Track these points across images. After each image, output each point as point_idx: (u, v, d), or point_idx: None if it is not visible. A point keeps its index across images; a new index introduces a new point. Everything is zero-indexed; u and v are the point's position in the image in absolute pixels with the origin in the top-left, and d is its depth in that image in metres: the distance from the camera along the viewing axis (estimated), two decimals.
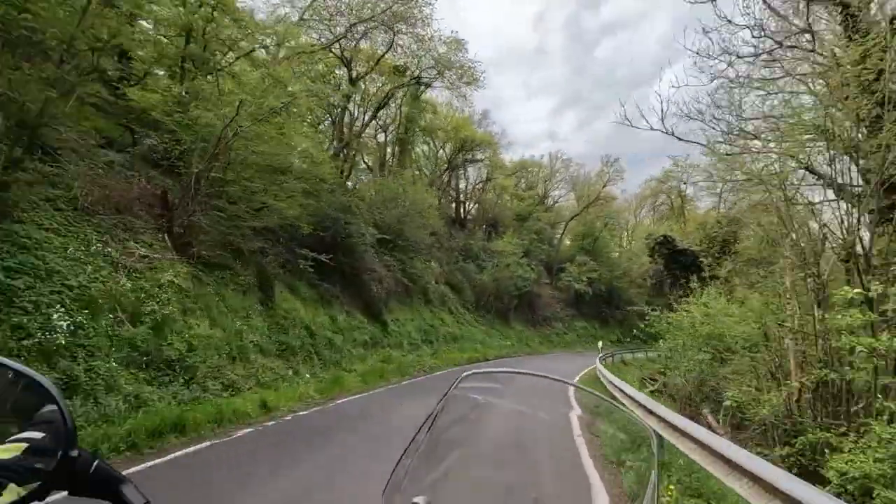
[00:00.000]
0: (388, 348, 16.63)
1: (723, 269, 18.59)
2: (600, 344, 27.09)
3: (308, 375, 10.78)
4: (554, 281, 41.12)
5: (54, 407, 0.64)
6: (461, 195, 41.46)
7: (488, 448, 1.61)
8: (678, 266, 26.48)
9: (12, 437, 0.62)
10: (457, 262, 30.49)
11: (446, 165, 37.26)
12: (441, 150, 37.78)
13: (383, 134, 31.98)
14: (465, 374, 1.18)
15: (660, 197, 45.85)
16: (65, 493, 0.64)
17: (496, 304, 31.21)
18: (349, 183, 23.56)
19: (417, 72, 26.05)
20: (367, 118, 26.74)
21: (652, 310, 16.73)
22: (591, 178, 46.17)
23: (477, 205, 42.81)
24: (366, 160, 31.98)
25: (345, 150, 23.59)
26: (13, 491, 0.57)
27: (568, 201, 49.94)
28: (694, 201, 41.05)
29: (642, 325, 17.91)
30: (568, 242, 47.71)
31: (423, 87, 28.53)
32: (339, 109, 23.41)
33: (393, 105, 29.05)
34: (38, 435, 0.63)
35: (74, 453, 0.63)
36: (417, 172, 33.61)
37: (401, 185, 22.84)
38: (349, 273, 16.58)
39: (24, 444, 0.61)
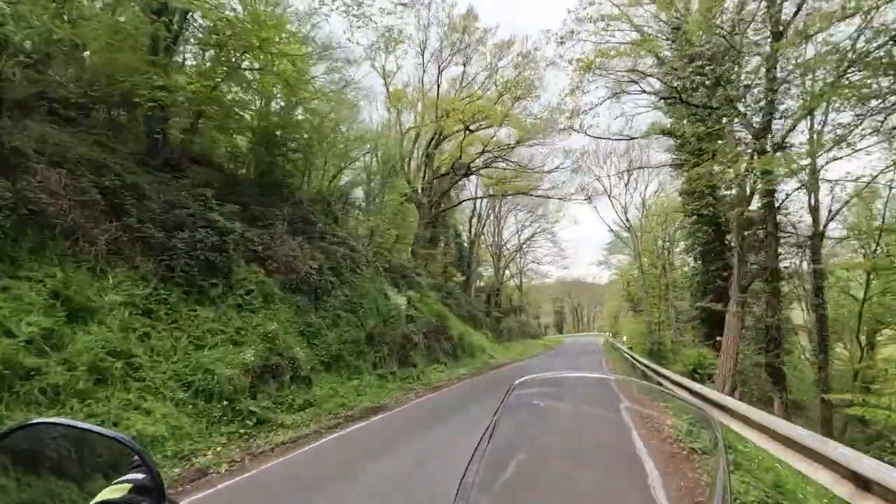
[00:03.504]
0: None
1: None
2: None
3: None
4: None
5: (138, 459, 0.73)
6: None
7: (550, 451, 1.41)
8: None
9: (118, 480, 0.70)
10: None
11: None
12: None
13: None
14: (518, 381, 1.24)
15: None
16: None
17: None
18: None
19: None
20: None
21: None
22: None
23: None
24: None
25: None
26: None
27: None
28: None
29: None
30: None
31: None
32: None
33: None
34: (140, 476, 0.71)
35: None
36: None
37: None
38: None
39: (129, 485, 0.69)
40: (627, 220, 31.86)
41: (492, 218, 45.64)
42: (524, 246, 50.63)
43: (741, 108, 12.50)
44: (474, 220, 42.46)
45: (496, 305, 46.54)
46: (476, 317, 27.03)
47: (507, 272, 54.74)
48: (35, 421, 0.77)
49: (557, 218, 47.64)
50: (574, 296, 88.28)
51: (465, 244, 41.55)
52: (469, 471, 1.03)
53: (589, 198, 31.12)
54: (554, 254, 52.32)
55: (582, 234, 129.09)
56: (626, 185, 32.41)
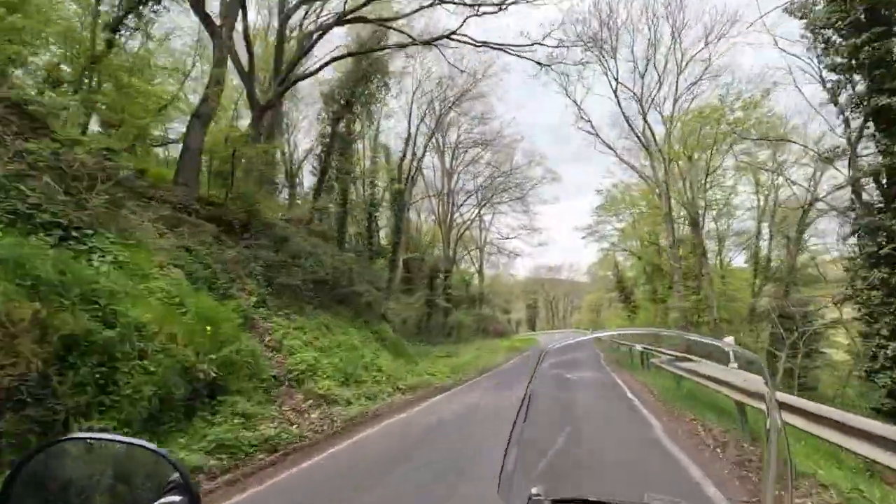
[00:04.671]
0: None
1: None
2: None
3: None
4: None
5: (178, 476, 0.76)
6: None
7: (587, 423, 1.57)
8: None
9: (157, 502, 0.72)
10: None
11: None
12: None
13: None
14: (544, 352, 1.15)
15: None
16: None
17: None
18: None
19: None
20: None
21: None
22: None
23: None
24: None
25: None
26: None
27: None
28: None
29: None
30: None
31: None
32: None
33: None
34: (176, 498, 0.74)
35: None
36: None
37: None
38: None
39: None
40: (647, 125, 18.16)
41: (435, 159, 31.53)
42: (484, 208, 36.75)
43: None
44: (406, 162, 28.25)
45: (444, 291, 32.60)
46: (361, 300, 12.74)
47: (462, 251, 41.06)
48: (74, 435, 0.77)
49: (530, 175, 34.15)
50: (548, 287, 76.80)
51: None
52: (507, 457, 0.93)
53: (582, 64, 17.30)
54: (523, 226, 38.80)
55: (563, 191, 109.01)
56: (641, 75, 18.85)
